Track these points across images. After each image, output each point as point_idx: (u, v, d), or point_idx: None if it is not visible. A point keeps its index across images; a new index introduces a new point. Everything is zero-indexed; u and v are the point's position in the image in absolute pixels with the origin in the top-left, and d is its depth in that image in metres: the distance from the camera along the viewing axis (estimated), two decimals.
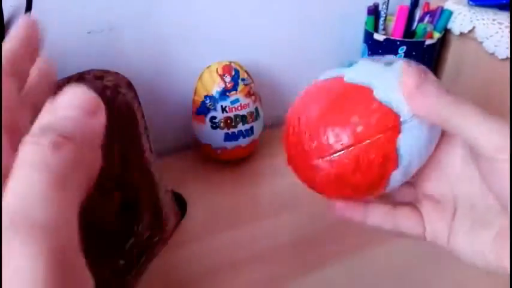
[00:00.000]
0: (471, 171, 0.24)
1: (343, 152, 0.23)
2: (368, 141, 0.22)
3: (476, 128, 0.20)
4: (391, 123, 0.22)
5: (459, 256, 0.25)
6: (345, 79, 0.24)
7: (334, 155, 0.23)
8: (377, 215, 0.27)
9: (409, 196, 0.28)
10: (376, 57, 0.26)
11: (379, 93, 0.23)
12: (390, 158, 0.23)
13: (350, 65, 0.26)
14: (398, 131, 0.22)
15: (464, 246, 0.24)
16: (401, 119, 0.22)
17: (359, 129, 0.22)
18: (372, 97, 0.23)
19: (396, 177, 0.24)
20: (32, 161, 0.13)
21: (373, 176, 0.23)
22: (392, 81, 0.23)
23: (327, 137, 0.23)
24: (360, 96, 0.23)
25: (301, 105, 0.25)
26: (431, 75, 0.23)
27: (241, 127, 0.54)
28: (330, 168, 0.23)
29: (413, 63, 0.23)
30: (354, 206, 0.27)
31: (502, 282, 0.38)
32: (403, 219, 0.27)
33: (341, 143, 0.22)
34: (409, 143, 0.23)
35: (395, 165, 0.23)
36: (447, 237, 0.25)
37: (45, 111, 0.15)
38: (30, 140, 0.13)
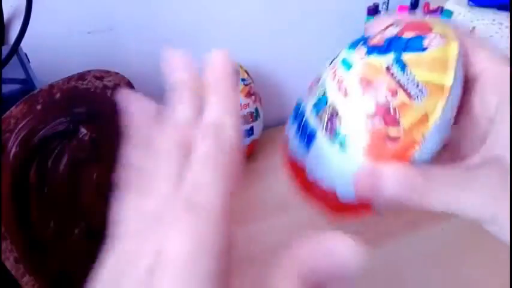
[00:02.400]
0: None
1: None
2: None
3: (455, 204, 0.18)
4: (367, 214, 0.22)
5: None
6: (307, 171, 0.21)
7: None
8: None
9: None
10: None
11: (343, 194, 0.20)
12: None
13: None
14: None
15: None
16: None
17: None
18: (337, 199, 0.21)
19: None
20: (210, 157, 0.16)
21: None
22: (350, 176, 0.20)
23: None
24: (330, 199, 0.21)
25: None
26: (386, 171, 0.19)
27: (241, 127, 0.53)
28: None
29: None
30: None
31: (504, 281, 0.38)
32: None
33: None
34: None
35: None
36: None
37: (213, 109, 0.18)
38: (208, 137, 0.17)
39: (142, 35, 0.53)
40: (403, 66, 0.19)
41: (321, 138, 0.20)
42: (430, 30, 0.19)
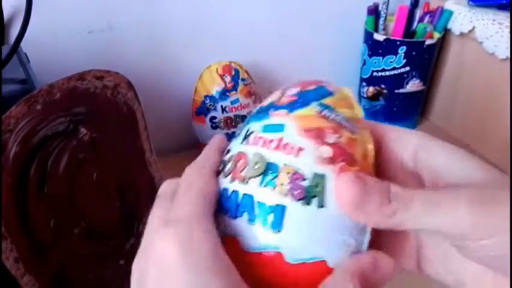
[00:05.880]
0: None
1: None
2: None
3: (437, 223, 0.17)
4: None
5: (431, 276, 0.22)
6: (286, 259, 0.17)
7: None
8: None
9: None
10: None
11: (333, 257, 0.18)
12: None
13: None
14: None
15: (438, 273, 0.21)
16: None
17: None
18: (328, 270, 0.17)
19: None
20: None
21: None
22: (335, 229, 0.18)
23: None
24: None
25: None
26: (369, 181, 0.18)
27: None
28: None
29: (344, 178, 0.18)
30: None
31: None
32: None
33: None
34: None
35: None
36: (415, 266, 0.22)
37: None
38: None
39: (142, 34, 0.53)
40: (330, 109, 0.19)
41: (293, 207, 0.17)
42: (321, 82, 0.21)
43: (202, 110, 0.53)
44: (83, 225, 0.32)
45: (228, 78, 0.52)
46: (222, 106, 0.52)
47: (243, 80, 0.53)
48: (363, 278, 0.17)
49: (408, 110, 0.62)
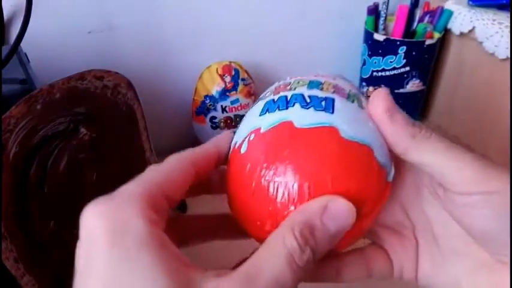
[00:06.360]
0: (425, 199, 0.22)
1: None
2: None
3: (443, 162, 0.18)
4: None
5: None
6: (341, 134, 0.18)
7: None
8: (350, 266, 0.22)
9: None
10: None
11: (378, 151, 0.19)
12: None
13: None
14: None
15: (435, 279, 0.22)
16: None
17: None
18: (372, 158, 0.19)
19: None
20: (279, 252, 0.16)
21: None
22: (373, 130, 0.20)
23: None
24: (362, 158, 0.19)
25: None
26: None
27: None
28: None
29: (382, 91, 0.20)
30: (324, 264, 0.22)
31: None
32: (373, 261, 0.23)
33: None
34: None
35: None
36: (414, 271, 0.22)
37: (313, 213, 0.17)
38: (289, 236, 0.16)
39: (142, 35, 0.53)
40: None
41: (340, 101, 0.19)
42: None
43: (202, 110, 0.53)
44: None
45: (228, 78, 0.52)
46: (222, 106, 0.52)
47: (243, 80, 0.53)
48: (309, 229, 0.16)
49: (408, 110, 0.62)
